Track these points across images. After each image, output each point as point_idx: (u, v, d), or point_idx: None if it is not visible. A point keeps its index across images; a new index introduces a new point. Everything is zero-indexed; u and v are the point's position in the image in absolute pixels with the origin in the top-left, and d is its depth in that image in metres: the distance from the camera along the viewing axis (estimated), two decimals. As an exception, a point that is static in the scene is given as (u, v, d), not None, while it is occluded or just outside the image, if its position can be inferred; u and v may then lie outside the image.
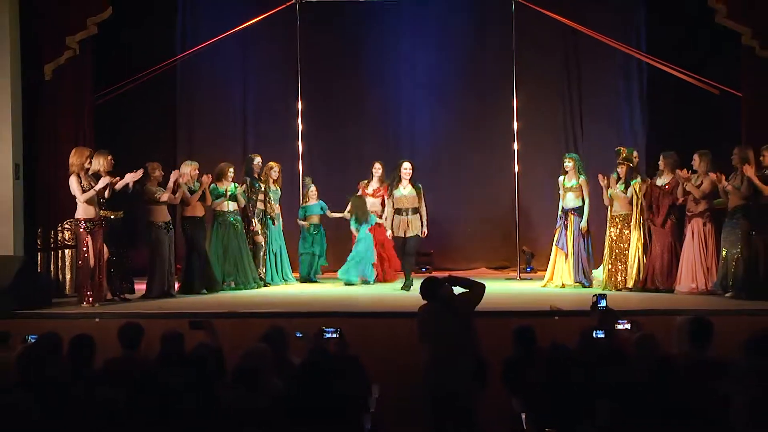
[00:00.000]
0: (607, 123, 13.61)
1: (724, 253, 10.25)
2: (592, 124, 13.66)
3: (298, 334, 6.75)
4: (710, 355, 5.98)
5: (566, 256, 11.36)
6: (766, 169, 10.01)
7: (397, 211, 11.22)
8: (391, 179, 11.43)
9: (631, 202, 10.97)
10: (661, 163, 11.00)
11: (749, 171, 9.92)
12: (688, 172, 10.57)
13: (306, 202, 12.53)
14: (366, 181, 12.21)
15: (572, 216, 11.34)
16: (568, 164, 11.39)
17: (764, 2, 10.87)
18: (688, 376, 5.26)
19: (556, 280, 11.43)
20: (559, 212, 11.44)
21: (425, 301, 6.92)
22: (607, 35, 12.50)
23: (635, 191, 10.94)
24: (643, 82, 13.43)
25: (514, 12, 12.50)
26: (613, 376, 5.32)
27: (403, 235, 11.18)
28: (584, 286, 11.17)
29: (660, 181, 10.95)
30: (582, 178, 11.31)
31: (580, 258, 11.30)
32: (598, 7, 13.13)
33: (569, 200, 11.36)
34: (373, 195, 12.12)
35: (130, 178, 10.27)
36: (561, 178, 11.44)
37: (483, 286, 6.98)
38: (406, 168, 11.25)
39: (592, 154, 12.01)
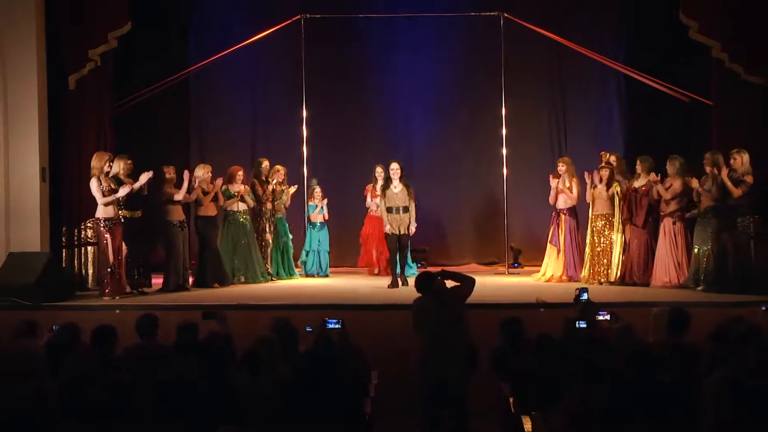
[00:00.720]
0: (589, 129, 13.62)
1: (696, 249, 10.29)
2: (574, 131, 13.66)
3: (309, 329, 6.75)
4: (684, 342, 6.00)
5: (558, 252, 11.39)
6: (734, 172, 10.05)
7: (388, 209, 11.17)
8: (384, 179, 11.43)
9: (612, 202, 11.01)
10: (638, 166, 11.03)
11: (723, 173, 9.94)
12: (657, 176, 10.62)
13: (311, 201, 12.55)
14: (371, 185, 12.22)
15: (564, 215, 11.36)
16: (561, 167, 11.42)
17: (732, 19, 10.91)
18: (666, 361, 5.27)
19: (547, 274, 11.46)
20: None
21: (420, 294, 6.94)
22: (589, 48, 12.50)
23: (616, 193, 10.98)
24: (621, 92, 13.44)
25: (503, 27, 12.49)
26: (595, 362, 5.33)
27: (398, 233, 11.15)
28: (571, 280, 11.18)
29: (637, 184, 10.98)
30: (574, 180, 11.33)
31: (572, 254, 11.33)
32: (581, 23, 13.14)
33: (561, 201, 11.38)
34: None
35: (144, 178, 10.29)
36: (555, 180, 11.43)
37: (473, 281, 6.99)
38: (394, 168, 11.23)
39: (575, 159, 11.98)
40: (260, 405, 4.91)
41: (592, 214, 11.14)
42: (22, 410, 4.25)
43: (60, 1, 10.95)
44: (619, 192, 10.98)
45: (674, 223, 10.57)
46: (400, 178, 11.24)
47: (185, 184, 10.85)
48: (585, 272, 11.13)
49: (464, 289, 6.93)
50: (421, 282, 6.94)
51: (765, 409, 4.03)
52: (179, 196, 10.81)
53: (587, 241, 11.15)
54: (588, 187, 11.12)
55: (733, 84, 11.00)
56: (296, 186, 12.33)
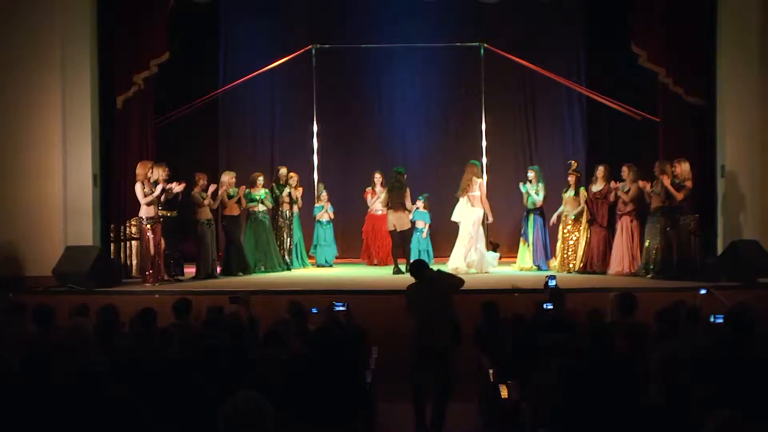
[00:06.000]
0: (555, 141, 13.61)
1: (646, 243, 10.31)
2: (543, 143, 13.64)
3: (314, 310, 6.73)
4: (635, 321, 6.00)
5: (528, 245, 11.40)
6: (676, 178, 10.10)
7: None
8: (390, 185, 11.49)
9: (579, 204, 11.03)
10: (597, 173, 11.05)
11: (666, 181, 9.99)
12: (616, 182, 10.65)
13: (319, 203, 12.54)
14: (371, 188, 12.25)
15: (533, 215, 11.37)
16: (531, 174, 11.42)
17: (675, 50, 10.93)
18: (620, 337, 5.27)
19: (519, 264, 11.47)
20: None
21: (414, 279, 6.85)
22: (556, 73, 12.52)
23: (583, 196, 11.02)
24: (582, 109, 13.41)
25: (483, 55, 12.50)
26: (559, 339, 5.33)
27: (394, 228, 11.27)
28: (540, 269, 11.18)
29: (595, 188, 11.01)
30: (540, 185, 11.33)
31: (538, 247, 11.34)
32: (549, 51, 13.10)
33: (531, 202, 11.38)
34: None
35: (178, 188, 10.36)
36: (526, 185, 11.43)
37: (462, 282, 6.87)
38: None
39: (543, 167, 11.99)
40: (276, 374, 4.91)
41: (564, 215, 11.16)
42: (75, 375, 4.25)
43: (110, 35, 10.95)
44: (585, 195, 11.01)
45: (632, 221, 10.60)
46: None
47: (210, 192, 10.87)
48: (556, 263, 11.17)
49: (454, 285, 6.79)
50: (416, 268, 6.86)
51: (704, 377, 4.03)
52: (206, 201, 10.85)
53: (559, 236, 11.16)
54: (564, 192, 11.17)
55: (676, 104, 11.02)
56: (302, 188, 12.30)
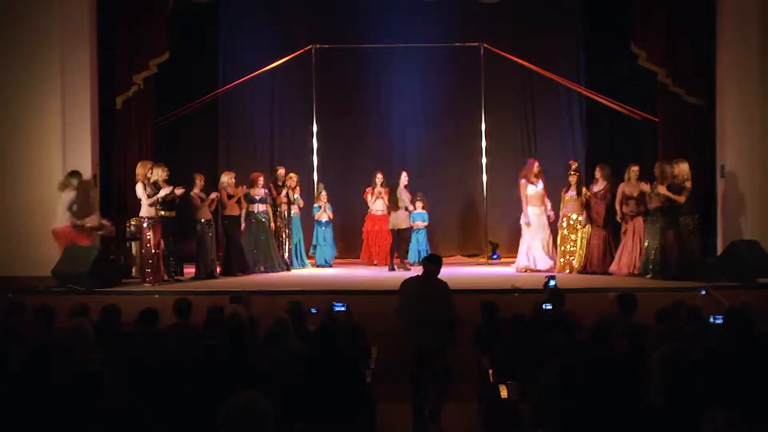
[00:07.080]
0: (555, 141, 13.61)
1: (646, 243, 10.29)
2: (543, 143, 13.64)
3: (313, 310, 6.72)
4: (635, 321, 6.00)
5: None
6: (675, 178, 10.08)
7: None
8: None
9: (580, 204, 11.01)
10: (597, 172, 11.04)
11: (662, 190, 9.94)
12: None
13: (318, 203, 12.54)
14: (371, 188, 12.25)
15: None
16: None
17: (674, 50, 10.93)
18: (620, 337, 5.27)
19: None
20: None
21: (423, 268, 6.79)
22: (555, 73, 12.52)
23: (585, 196, 11.01)
24: (582, 110, 13.43)
25: (482, 55, 12.50)
26: (558, 338, 5.33)
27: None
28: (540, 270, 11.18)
29: (595, 188, 10.99)
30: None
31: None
32: (549, 51, 13.12)
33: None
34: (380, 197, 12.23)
35: (179, 192, 10.38)
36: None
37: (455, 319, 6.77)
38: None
39: (543, 166, 11.98)
40: (276, 374, 4.91)
41: (563, 215, 11.13)
42: (75, 375, 4.25)
43: (110, 35, 10.95)
44: (587, 195, 11.00)
45: (643, 221, 10.55)
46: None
47: (209, 199, 10.93)
48: (557, 263, 11.15)
49: (454, 308, 6.73)
50: (432, 261, 6.78)
51: (704, 378, 4.03)
52: (204, 203, 10.87)
53: (559, 237, 11.14)
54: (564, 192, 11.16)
55: (676, 104, 11.02)
56: (299, 187, 12.31)
